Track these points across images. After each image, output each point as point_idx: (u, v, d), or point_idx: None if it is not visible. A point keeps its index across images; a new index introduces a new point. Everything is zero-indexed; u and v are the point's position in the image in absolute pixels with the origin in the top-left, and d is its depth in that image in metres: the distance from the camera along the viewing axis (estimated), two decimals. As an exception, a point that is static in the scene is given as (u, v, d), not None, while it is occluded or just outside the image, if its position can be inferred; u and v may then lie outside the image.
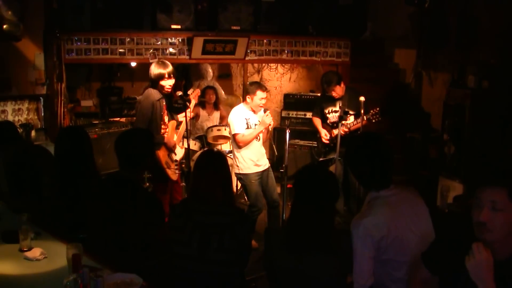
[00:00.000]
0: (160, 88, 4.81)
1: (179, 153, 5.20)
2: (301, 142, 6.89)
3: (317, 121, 5.97)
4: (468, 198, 4.91)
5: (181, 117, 5.15)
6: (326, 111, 5.82)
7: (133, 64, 6.82)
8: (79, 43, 5.75)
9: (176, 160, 5.10)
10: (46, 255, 2.76)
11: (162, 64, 4.81)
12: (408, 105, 6.93)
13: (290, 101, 7.62)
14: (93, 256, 2.69)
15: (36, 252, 2.75)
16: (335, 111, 5.70)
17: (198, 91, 5.40)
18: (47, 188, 3.37)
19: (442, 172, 5.70)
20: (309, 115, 7.36)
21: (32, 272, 2.62)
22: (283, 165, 4.95)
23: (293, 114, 7.43)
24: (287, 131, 4.91)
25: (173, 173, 4.97)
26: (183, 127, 5.09)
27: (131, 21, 5.95)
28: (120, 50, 5.96)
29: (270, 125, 5.06)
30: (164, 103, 4.88)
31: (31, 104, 5.65)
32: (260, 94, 5.02)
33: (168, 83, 4.80)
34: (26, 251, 2.77)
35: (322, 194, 2.50)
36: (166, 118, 4.95)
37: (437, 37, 6.41)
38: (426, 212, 2.70)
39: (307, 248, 2.48)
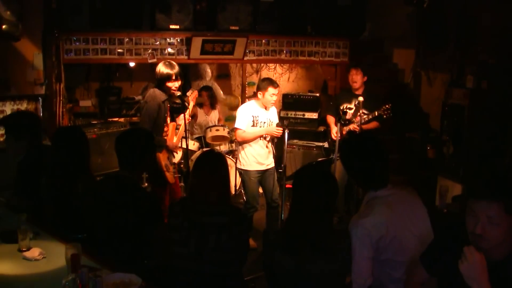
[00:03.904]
0: (167, 89, 4.80)
1: (177, 156, 5.20)
2: (300, 142, 6.89)
3: (331, 119, 6.00)
4: (466, 199, 4.90)
5: (180, 120, 5.16)
6: (341, 107, 5.85)
7: (132, 64, 6.83)
8: (77, 43, 5.75)
9: (174, 163, 5.11)
10: (45, 255, 2.76)
11: (170, 65, 4.79)
12: (407, 105, 6.93)
13: (289, 101, 7.62)
14: (92, 256, 2.69)
15: (35, 252, 2.75)
16: (350, 108, 5.71)
17: (196, 93, 5.38)
18: (44, 188, 3.37)
19: (440, 172, 5.70)
20: (308, 115, 7.39)
21: (31, 272, 2.62)
22: (282, 165, 4.95)
23: (291, 114, 7.44)
24: (285, 131, 4.92)
25: (171, 176, 4.98)
26: (182, 129, 5.10)
27: (130, 21, 5.94)
28: (119, 50, 5.96)
29: (275, 135, 5.08)
30: (168, 105, 4.89)
31: (30, 104, 5.63)
32: (271, 90, 5.03)
33: (174, 85, 4.80)
34: (25, 251, 2.77)
35: (320, 193, 2.50)
36: (168, 120, 4.96)
37: (436, 37, 6.41)
38: (424, 212, 2.71)
39: (306, 249, 2.48)
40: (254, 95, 5.34)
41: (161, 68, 4.78)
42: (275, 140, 5.23)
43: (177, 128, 5.13)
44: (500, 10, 5.47)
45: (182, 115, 5.06)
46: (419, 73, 7.00)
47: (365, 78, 5.72)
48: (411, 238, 2.58)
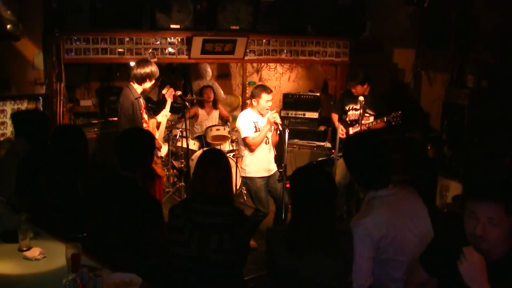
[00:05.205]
0: (145, 86, 4.90)
1: (163, 150, 5.23)
2: (300, 142, 6.89)
3: (335, 117, 6.01)
4: (465, 200, 4.89)
5: (159, 117, 5.21)
6: (347, 107, 5.84)
7: (132, 63, 6.82)
8: (78, 43, 5.76)
9: (161, 157, 5.12)
10: (45, 255, 2.76)
11: (152, 64, 4.88)
12: (407, 105, 6.93)
13: (289, 101, 7.63)
14: (92, 255, 2.69)
15: (35, 252, 2.75)
16: (355, 109, 5.70)
17: (172, 90, 5.29)
18: (44, 187, 3.37)
19: (441, 172, 5.70)
20: (308, 114, 7.39)
21: (31, 272, 2.62)
22: (282, 165, 4.95)
23: (292, 113, 7.45)
24: (286, 130, 4.92)
25: (160, 169, 5.01)
26: (163, 126, 5.20)
27: (130, 20, 5.94)
28: (119, 50, 5.96)
29: (275, 123, 5.03)
30: (142, 102, 4.93)
31: (30, 103, 5.63)
32: (265, 96, 5.03)
33: (151, 83, 4.95)
34: (25, 250, 2.77)
35: (317, 193, 2.50)
36: (145, 116, 4.99)
37: (436, 36, 6.41)
38: (425, 211, 2.71)
39: (307, 248, 2.48)
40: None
41: (155, 68, 4.88)
42: (277, 133, 5.20)
43: (157, 128, 5.18)
44: (500, 10, 5.47)
45: (162, 112, 5.14)
46: (419, 73, 7.00)
47: (366, 85, 5.62)
48: (412, 238, 2.58)
